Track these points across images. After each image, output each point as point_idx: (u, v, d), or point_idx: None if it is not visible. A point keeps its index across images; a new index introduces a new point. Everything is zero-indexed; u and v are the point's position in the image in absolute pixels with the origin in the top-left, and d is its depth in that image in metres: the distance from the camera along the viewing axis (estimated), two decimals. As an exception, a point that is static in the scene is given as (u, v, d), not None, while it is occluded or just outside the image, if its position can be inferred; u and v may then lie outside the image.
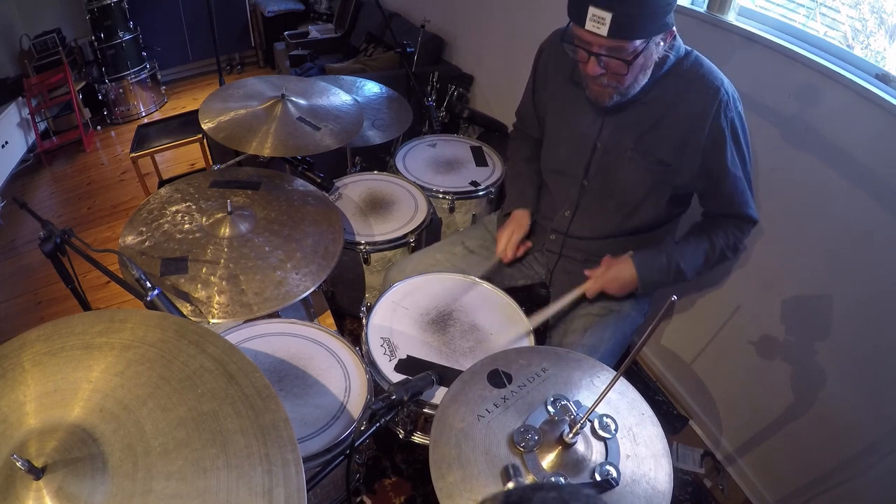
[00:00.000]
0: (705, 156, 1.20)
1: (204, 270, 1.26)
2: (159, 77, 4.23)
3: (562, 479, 0.81)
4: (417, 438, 1.22)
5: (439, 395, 1.13)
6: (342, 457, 1.01)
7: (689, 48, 1.20)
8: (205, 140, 2.88)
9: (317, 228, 1.42)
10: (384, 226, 1.73)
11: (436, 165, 2.01)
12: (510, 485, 0.79)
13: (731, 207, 1.27)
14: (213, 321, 1.18)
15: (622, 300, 1.37)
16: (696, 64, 1.18)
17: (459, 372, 1.09)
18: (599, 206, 1.36)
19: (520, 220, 1.46)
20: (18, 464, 0.60)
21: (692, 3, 1.61)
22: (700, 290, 1.79)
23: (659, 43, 1.09)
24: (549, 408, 0.90)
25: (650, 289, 1.34)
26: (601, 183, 1.32)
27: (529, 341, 1.27)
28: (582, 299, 1.36)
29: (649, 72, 1.14)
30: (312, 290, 1.27)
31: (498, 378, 0.96)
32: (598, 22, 1.02)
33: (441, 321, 1.31)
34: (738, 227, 1.30)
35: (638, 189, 1.29)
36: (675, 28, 1.09)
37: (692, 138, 1.20)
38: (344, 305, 1.90)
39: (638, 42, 1.05)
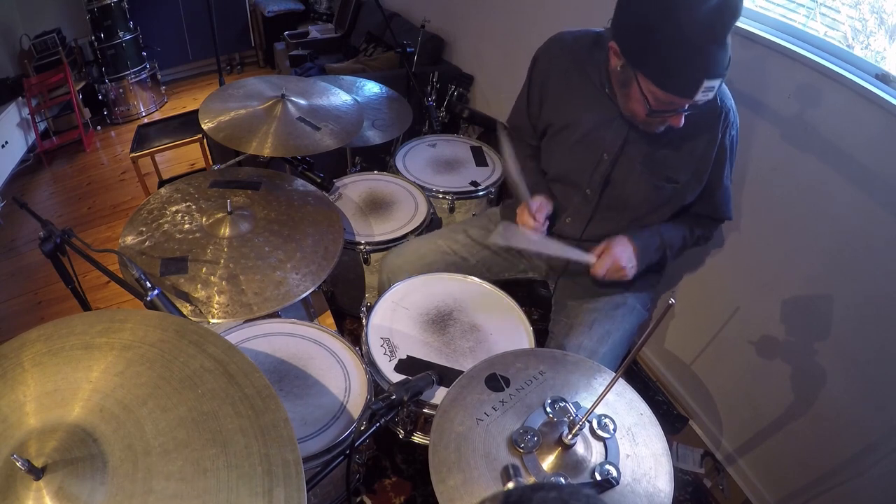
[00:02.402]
0: (710, 172, 1.25)
1: (204, 270, 1.26)
2: (159, 77, 4.23)
3: (562, 480, 0.81)
4: (417, 438, 1.22)
5: (439, 395, 1.13)
6: (342, 457, 1.01)
7: None
8: (205, 140, 2.88)
9: (317, 228, 1.42)
10: (384, 226, 1.73)
11: (436, 165, 2.01)
12: (510, 485, 0.79)
13: (716, 212, 1.36)
14: (213, 321, 1.18)
15: (624, 293, 1.38)
16: None
17: (460, 372, 1.09)
18: (603, 216, 1.35)
19: (545, 198, 1.36)
20: (18, 464, 0.60)
21: (692, 3, 1.61)
22: (700, 290, 1.79)
23: None
24: (548, 409, 0.90)
25: (641, 267, 1.31)
26: (607, 195, 1.32)
27: (529, 342, 1.27)
28: (580, 289, 1.37)
29: None
30: (312, 290, 1.27)
31: (495, 382, 0.96)
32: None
33: (441, 321, 1.31)
34: (713, 225, 1.42)
35: (644, 203, 1.30)
36: None
37: (703, 157, 1.23)
38: (344, 305, 1.90)
39: None
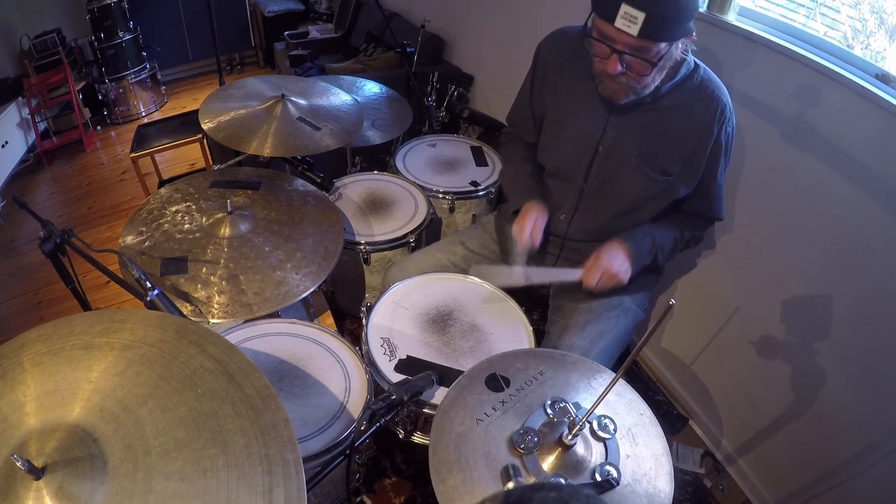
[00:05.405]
0: (704, 167, 1.24)
1: (204, 270, 1.26)
2: (159, 77, 4.23)
3: (562, 480, 0.81)
4: (417, 438, 1.22)
5: (439, 395, 1.13)
6: (342, 457, 1.01)
7: (697, 60, 1.21)
8: (205, 140, 2.88)
9: (317, 228, 1.42)
10: (384, 226, 1.73)
11: (436, 165, 2.01)
12: (510, 485, 0.79)
13: (708, 211, 1.36)
14: (213, 321, 1.18)
15: (621, 294, 1.38)
16: (705, 78, 1.19)
17: (459, 372, 1.09)
18: (596, 211, 1.36)
19: (539, 208, 1.34)
20: (18, 464, 0.60)
21: (692, 4, 1.61)
22: (700, 290, 1.79)
23: (678, 46, 1.09)
24: (548, 410, 0.90)
25: (636, 270, 1.30)
26: (601, 187, 1.32)
27: (529, 342, 1.27)
28: (577, 289, 1.34)
29: (665, 73, 1.14)
30: (312, 290, 1.27)
31: (496, 382, 0.96)
32: (630, 21, 1.00)
33: (441, 321, 1.31)
34: (705, 226, 1.42)
35: (638, 196, 1.30)
36: (694, 32, 1.09)
37: (698, 152, 1.23)
38: (344, 305, 1.89)
39: (663, 44, 1.05)
